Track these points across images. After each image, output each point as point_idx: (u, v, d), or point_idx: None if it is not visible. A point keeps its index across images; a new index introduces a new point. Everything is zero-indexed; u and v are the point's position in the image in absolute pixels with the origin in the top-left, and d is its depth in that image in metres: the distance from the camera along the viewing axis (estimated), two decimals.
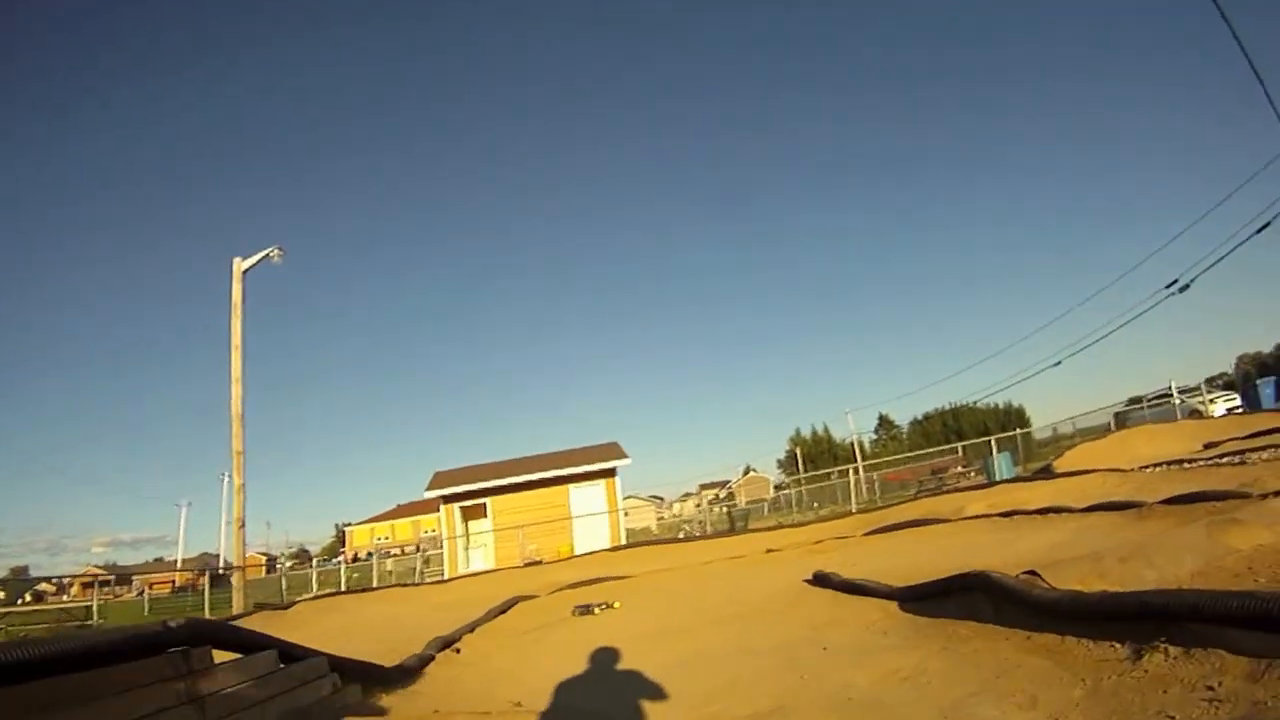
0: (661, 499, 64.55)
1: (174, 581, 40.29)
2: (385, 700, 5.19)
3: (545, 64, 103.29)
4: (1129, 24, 76.72)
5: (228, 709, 3.54)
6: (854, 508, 20.62)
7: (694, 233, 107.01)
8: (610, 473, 28.39)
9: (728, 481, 69.29)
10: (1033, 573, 4.68)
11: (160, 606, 29.03)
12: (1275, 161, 22.27)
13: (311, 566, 40.74)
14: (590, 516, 27.06)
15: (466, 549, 28.65)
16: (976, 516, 11.91)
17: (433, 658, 6.90)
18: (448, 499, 28.42)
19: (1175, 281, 22.76)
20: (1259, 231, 21.29)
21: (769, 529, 19.40)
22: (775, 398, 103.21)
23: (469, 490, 28.29)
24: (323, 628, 11.28)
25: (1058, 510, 9.87)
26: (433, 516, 37.21)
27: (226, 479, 55.34)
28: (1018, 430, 27.14)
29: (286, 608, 13.56)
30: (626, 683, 5.22)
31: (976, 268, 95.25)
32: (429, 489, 29.33)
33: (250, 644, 4.52)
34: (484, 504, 28.27)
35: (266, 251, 20.27)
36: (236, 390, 20.04)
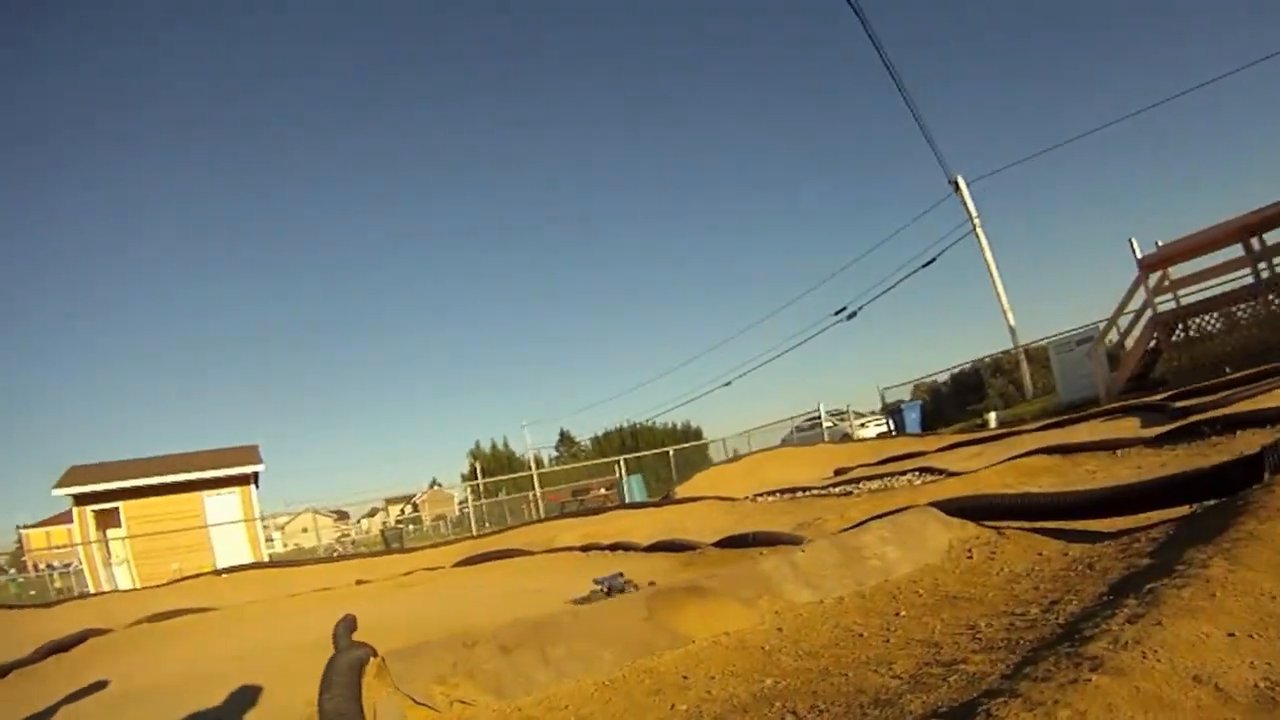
0: (347, 513, 60.51)
1: None
2: None
3: None
4: (799, 52, 79.61)
5: None
6: (475, 532, 18.71)
7: (354, 231, 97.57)
8: (246, 479, 25.57)
9: (413, 495, 65.61)
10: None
11: None
12: (938, 205, 23.98)
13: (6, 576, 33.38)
14: (231, 530, 24.06)
15: (109, 563, 24.26)
16: (560, 549, 10.67)
17: None
18: (81, 500, 23.99)
19: (844, 309, 24.68)
20: (924, 266, 23.20)
21: (421, 548, 17.49)
22: (463, 408, 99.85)
23: (101, 491, 24.10)
24: None
25: (626, 548, 8.68)
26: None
27: None
28: (671, 448, 27.09)
29: None
30: None
31: (662, 286, 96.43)
32: (58, 486, 24.32)
33: None
34: (116, 509, 24.24)
35: None
36: None
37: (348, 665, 3.15)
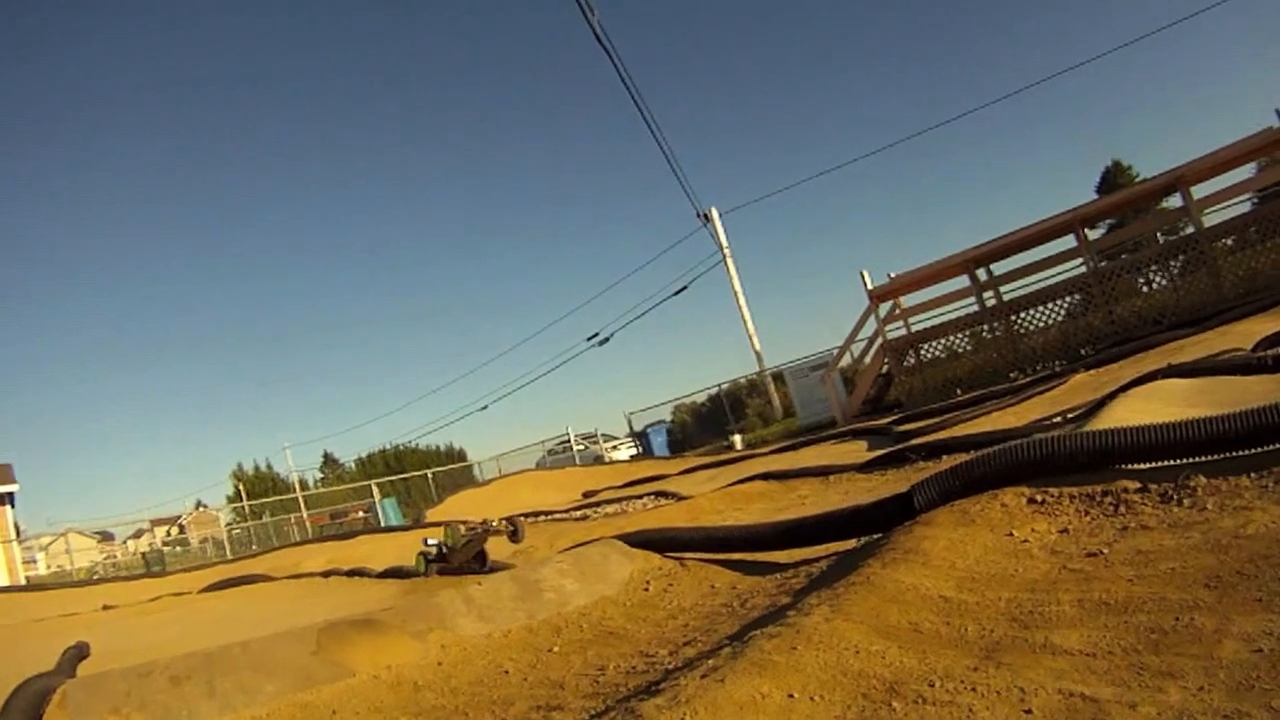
0: (112, 534, 54.92)
1: None
2: None
3: None
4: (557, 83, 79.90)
5: None
6: (231, 555, 17.79)
7: (108, 245, 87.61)
8: (3, 500, 24.34)
9: (179, 517, 60.82)
10: None
11: None
12: (688, 238, 25.69)
13: None
14: None
15: None
16: (303, 575, 10.43)
17: None
18: None
19: (596, 334, 25.32)
20: (676, 294, 24.03)
21: (174, 572, 16.37)
22: (226, 429, 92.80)
23: None
24: None
25: (362, 574, 8.47)
26: None
27: None
28: (430, 470, 27.25)
29: None
30: None
31: (427, 309, 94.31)
32: None
33: None
34: None
35: None
36: None
37: (32, 693, 3.18)
